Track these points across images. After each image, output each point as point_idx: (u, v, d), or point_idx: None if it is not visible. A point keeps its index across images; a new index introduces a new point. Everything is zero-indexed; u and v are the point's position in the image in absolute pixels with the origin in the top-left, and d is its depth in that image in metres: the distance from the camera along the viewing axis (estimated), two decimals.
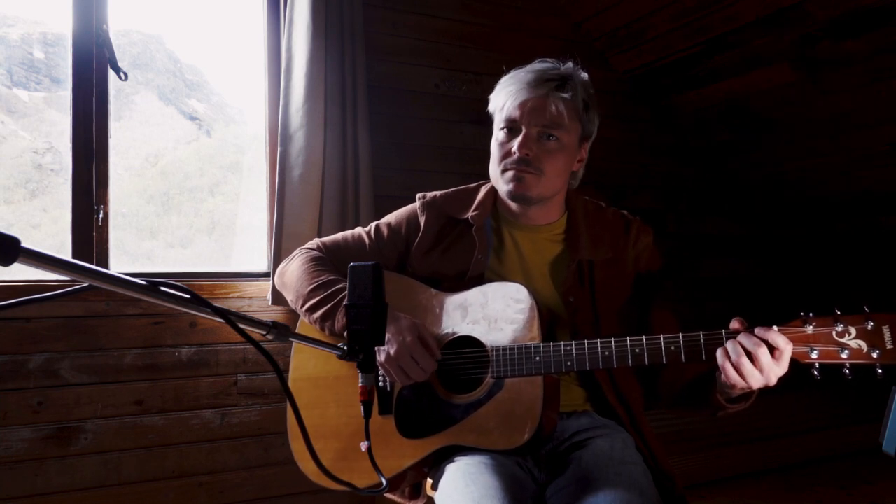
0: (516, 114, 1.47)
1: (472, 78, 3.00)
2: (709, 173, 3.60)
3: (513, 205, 1.56)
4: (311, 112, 2.51)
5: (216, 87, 3.40)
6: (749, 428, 3.43)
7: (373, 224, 1.66)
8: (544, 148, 1.47)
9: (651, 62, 3.22)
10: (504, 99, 1.50)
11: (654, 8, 2.96)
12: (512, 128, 1.49)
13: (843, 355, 1.19)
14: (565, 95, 1.46)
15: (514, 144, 1.46)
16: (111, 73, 2.40)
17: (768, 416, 3.49)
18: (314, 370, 1.54)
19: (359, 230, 1.66)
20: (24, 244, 0.60)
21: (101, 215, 2.38)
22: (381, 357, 1.40)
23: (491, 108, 1.58)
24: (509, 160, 1.48)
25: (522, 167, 1.46)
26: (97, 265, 1.35)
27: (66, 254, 2.28)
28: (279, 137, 2.51)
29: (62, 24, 2.58)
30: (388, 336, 1.39)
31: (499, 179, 1.52)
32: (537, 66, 1.51)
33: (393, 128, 2.85)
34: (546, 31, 3.19)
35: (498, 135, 1.52)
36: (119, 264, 2.52)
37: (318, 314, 1.49)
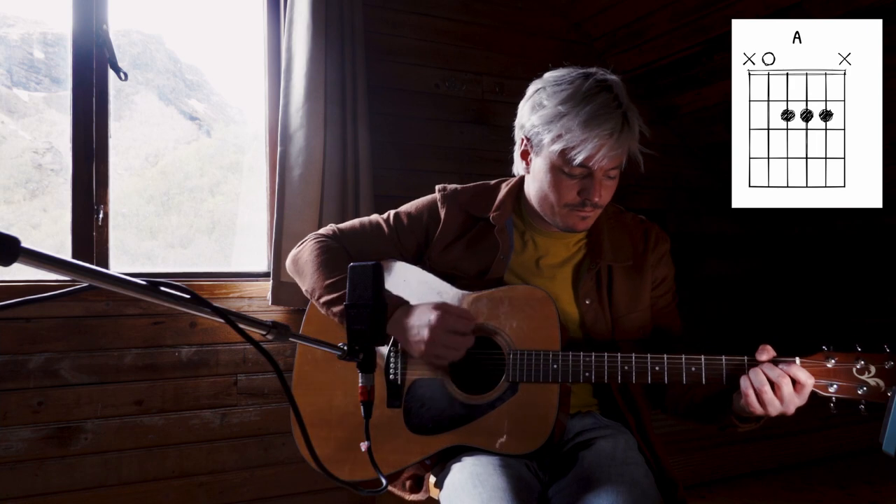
0: (591, 161, 1.39)
1: (472, 78, 2.99)
2: (709, 173, 3.60)
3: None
4: (311, 112, 2.51)
5: (216, 87, 3.39)
6: None
7: (391, 212, 1.63)
8: (607, 185, 1.45)
9: (651, 62, 3.21)
10: (576, 140, 1.38)
11: (654, 8, 2.96)
12: (581, 170, 1.42)
13: (860, 392, 1.21)
14: (636, 136, 1.45)
15: (589, 191, 1.42)
16: (111, 73, 2.40)
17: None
18: (321, 353, 1.52)
19: (375, 217, 1.63)
20: (24, 244, 0.60)
21: (101, 215, 2.38)
22: (413, 350, 1.39)
23: (538, 132, 1.44)
24: (578, 205, 1.44)
25: (590, 210, 1.45)
26: (97, 265, 1.34)
27: (66, 254, 2.28)
28: (279, 137, 2.51)
29: (62, 24, 2.57)
30: (412, 329, 1.38)
31: (553, 213, 1.48)
32: (598, 97, 1.41)
33: (393, 128, 2.84)
34: (546, 31, 3.19)
35: (561, 174, 1.42)
36: (119, 264, 2.52)
37: (337, 309, 1.48)
